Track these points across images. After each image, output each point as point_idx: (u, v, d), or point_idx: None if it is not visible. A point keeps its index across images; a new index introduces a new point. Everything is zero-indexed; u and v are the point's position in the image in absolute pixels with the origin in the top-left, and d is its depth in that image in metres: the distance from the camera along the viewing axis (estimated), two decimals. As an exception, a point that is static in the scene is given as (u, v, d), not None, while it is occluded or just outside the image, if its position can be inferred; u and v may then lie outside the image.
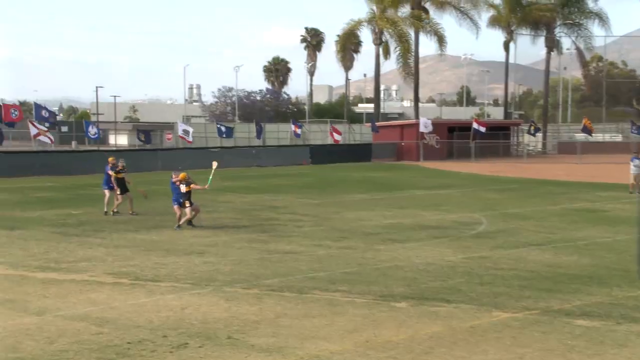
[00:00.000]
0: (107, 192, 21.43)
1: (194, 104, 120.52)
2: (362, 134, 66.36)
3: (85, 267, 13.41)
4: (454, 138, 56.47)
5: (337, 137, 57.15)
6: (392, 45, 64.48)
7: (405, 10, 64.93)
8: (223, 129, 54.15)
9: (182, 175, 18.74)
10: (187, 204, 18.62)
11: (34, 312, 10.08)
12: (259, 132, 56.06)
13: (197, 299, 10.97)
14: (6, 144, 45.67)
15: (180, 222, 18.59)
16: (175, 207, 18.76)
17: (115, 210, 21.13)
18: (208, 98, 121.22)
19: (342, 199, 27.12)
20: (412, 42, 62.75)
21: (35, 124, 41.88)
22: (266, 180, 35.02)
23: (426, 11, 65.40)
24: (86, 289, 11.58)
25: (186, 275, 12.79)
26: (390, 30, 63.10)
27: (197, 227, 18.60)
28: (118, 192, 21.15)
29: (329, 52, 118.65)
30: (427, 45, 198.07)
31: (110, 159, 21.98)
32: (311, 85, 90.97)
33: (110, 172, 21.30)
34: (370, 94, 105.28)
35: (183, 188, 18.60)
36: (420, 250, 15.62)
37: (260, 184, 33.05)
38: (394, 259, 14.62)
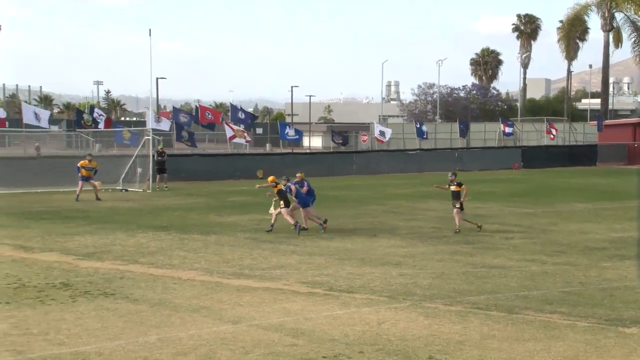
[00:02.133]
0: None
1: (392, 102, 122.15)
2: (585, 133, 63.39)
3: (279, 275, 14.14)
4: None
5: (552, 132, 55.39)
6: (626, 31, 61.35)
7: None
8: (423, 128, 54.33)
9: (270, 178, 20.19)
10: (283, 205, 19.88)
11: (229, 321, 10.81)
12: (463, 131, 55.49)
13: (394, 314, 11.14)
14: (203, 146, 49.30)
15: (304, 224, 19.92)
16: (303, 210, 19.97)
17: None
18: (407, 96, 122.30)
19: (560, 208, 26.10)
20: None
21: (231, 125, 44.78)
22: (470, 186, 34.27)
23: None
24: (280, 298, 12.21)
25: (382, 287, 13.04)
26: (628, 11, 60.21)
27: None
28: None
29: (546, 41, 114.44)
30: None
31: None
32: (524, 78, 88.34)
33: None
34: (596, 87, 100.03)
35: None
36: (655, 269, 14.64)
37: (465, 191, 32.63)
38: (623, 278, 13.90)
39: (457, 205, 20.21)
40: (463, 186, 20.55)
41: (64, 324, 10.45)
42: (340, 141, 53.15)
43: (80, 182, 28.00)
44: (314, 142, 75.05)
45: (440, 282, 13.52)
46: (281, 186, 19.93)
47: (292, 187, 20.00)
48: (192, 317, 10.91)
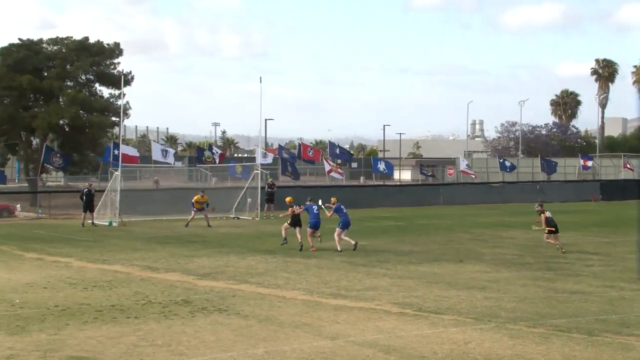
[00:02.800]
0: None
1: (476, 139, 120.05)
2: (661, 168, 60.40)
3: (372, 296, 14.02)
4: None
5: (628, 167, 53.32)
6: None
7: None
8: (507, 163, 53.16)
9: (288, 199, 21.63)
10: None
11: (328, 337, 10.78)
12: (550, 167, 53.90)
13: (479, 334, 10.84)
14: (304, 179, 49.86)
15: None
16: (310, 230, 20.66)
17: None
18: (491, 133, 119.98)
19: (636, 237, 24.81)
20: None
21: (329, 161, 45.26)
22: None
23: None
24: (374, 317, 12.10)
25: (468, 309, 12.73)
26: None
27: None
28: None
29: (623, 83, 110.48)
30: None
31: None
32: (602, 117, 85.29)
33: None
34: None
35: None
36: None
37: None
38: (702, 306, 13.04)
39: (553, 231, 20.09)
40: (542, 215, 20.29)
41: (184, 336, 10.69)
42: (429, 174, 52.60)
43: (193, 212, 29.12)
44: (404, 175, 74.52)
45: (524, 305, 13.08)
46: (294, 208, 21.11)
47: (296, 209, 21.15)
48: (295, 333, 10.96)
